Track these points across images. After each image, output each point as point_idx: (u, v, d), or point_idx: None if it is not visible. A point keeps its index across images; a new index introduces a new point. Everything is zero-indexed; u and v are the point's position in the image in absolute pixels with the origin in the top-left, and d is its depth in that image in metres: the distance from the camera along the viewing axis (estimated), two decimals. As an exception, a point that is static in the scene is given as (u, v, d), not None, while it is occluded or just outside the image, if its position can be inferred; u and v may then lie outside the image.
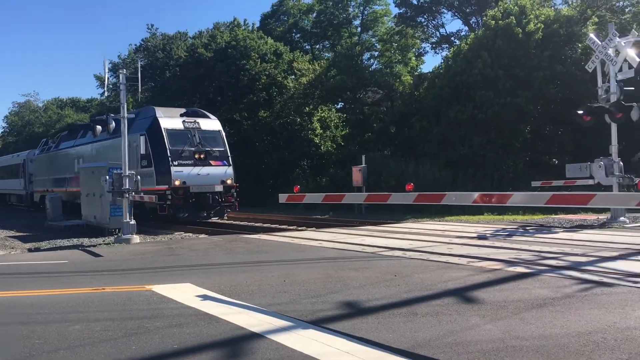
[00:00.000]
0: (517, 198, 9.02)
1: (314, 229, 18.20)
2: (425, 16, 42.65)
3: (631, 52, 15.06)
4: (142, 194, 16.43)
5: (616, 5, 34.02)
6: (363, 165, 26.92)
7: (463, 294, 6.86)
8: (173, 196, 20.60)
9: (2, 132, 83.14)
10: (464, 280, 7.63)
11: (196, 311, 6.36)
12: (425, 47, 45.47)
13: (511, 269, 8.42)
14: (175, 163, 20.99)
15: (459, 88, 29.08)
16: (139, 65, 20.60)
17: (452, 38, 43.43)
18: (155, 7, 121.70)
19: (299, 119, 38.58)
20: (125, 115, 16.24)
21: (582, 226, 14.91)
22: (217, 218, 22.48)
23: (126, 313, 6.40)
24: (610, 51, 15.33)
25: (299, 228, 19.29)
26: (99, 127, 17.04)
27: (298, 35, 51.63)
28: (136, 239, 15.51)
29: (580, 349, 4.64)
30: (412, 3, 41.37)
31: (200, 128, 22.40)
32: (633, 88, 15.49)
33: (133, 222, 15.74)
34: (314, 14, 49.71)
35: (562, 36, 29.01)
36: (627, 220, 15.17)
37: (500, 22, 29.20)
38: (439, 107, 29.93)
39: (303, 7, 50.99)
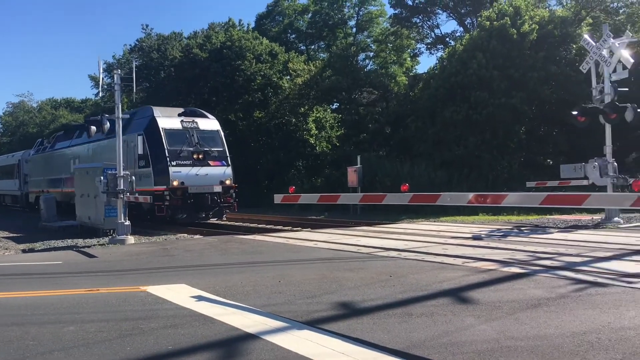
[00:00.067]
0: (511, 198, 9.06)
1: (309, 229, 18.20)
2: (420, 17, 42.73)
3: (625, 53, 15.11)
4: (136, 195, 16.38)
5: (610, 6, 34.18)
6: (358, 165, 26.92)
7: (458, 294, 6.87)
8: (171, 197, 20.46)
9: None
10: (459, 281, 7.64)
11: (191, 312, 6.35)
12: (420, 48, 45.65)
13: (506, 269, 8.44)
14: (174, 163, 20.84)
15: (454, 89, 29.14)
16: (134, 66, 20.61)
17: (447, 39, 43.57)
18: (150, 7, 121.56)
19: (294, 120, 38.59)
20: (120, 115, 16.19)
21: (576, 226, 14.95)
22: (215, 219, 22.32)
23: (121, 314, 6.38)
24: (605, 52, 15.38)
25: (294, 229, 19.28)
26: (93, 128, 16.98)
27: (293, 35, 51.63)
28: (131, 239, 15.46)
29: (574, 349, 4.65)
30: (407, 4, 41.46)
31: (198, 128, 22.24)
32: (627, 89, 15.55)
33: (127, 222, 15.70)
34: (309, 15, 49.71)
35: (556, 37, 29.11)
36: (622, 221, 15.22)
37: (495, 22, 29.27)
38: (434, 107, 29.99)
39: (298, 7, 50.99)
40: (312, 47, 51.63)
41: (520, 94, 27.48)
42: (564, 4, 36.58)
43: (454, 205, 16.89)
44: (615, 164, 15.15)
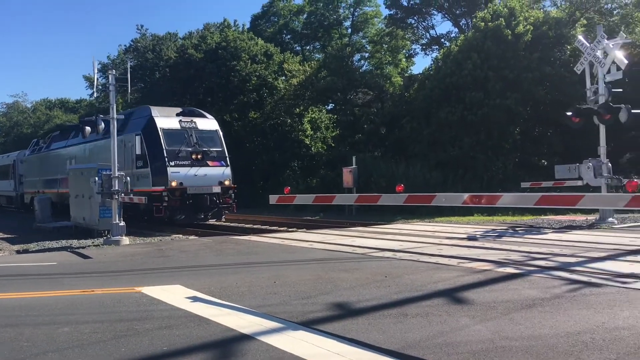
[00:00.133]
0: (506, 199, 9.06)
1: (304, 230, 18.20)
2: (415, 18, 42.81)
3: (619, 54, 15.17)
4: (131, 195, 16.32)
5: (604, 7, 34.34)
6: (353, 166, 26.94)
7: (453, 294, 6.89)
8: (170, 197, 20.25)
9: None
10: (454, 281, 7.65)
11: (186, 313, 6.34)
12: (415, 49, 45.71)
13: (501, 269, 8.46)
14: (172, 163, 20.62)
15: (449, 89, 29.20)
16: (129, 66, 20.52)
17: (442, 39, 43.68)
18: (145, 7, 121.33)
19: (289, 120, 38.57)
20: (115, 116, 16.15)
21: (571, 227, 14.99)
22: (214, 220, 22.14)
23: (115, 315, 6.36)
24: (599, 53, 15.43)
25: (290, 229, 19.28)
26: (88, 128, 16.90)
27: (288, 36, 51.63)
28: (126, 240, 15.42)
29: (569, 349, 4.67)
30: (403, 4, 41.53)
31: (197, 128, 22.03)
32: (621, 90, 15.61)
33: (122, 223, 15.65)
34: (305, 15, 49.72)
35: (551, 38, 29.21)
36: (616, 221, 15.27)
37: (489, 23, 29.36)
38: (429, 108, 30.04)
39: (293, 8, 50.99)
40: (308, 47, 51.65)
41: (515, 95, 27.56)
42: (559, 5, 36.76)
43: (448, 205, 16.89)
44: (610, 164, 15.20)
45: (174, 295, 7.33)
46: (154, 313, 6.37)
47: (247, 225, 22.37)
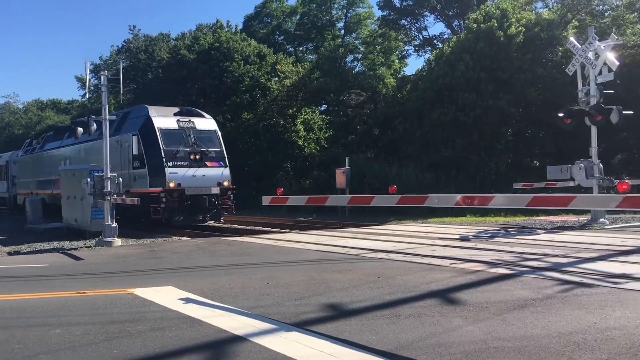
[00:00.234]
0: (499, 200, 9.09)
1: (297, 231, 18.19)
2: (408, 19, 42.90)
3: (611, 56, 15.25)
4: (123, 197, 16.25)
5: (596, 9, 34.53)
6: (346, 167, 26.96)
7: (446, 295, 6.90)
8: (167, 199, 19.97)
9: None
10: (447, 282, 7.67)
11: (178, 314, 6.32)
12: (408, 50, 45.82)
13: (493, 270, 8.48)
14: (170, 164, 20.32)
15: (441, 90, 29.29)
16: (121, 67, 20.41)
17: (435, 41, 43.80)
18: (137, 8, 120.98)
19: (282, 121, 38.55)
20: (107, 117, 16.08)
21: (562, 227, 15.06)
22: (213, 221, 21.88)
23: (107, 317, 6.33)
24: (590, 54, 15.50)
25: (283, 230, 19.26)
26: (80, 129, 16.80)
27: (281, 37, 51.63)
28: (118, 241, 15.35)
29: (561, 350, 4.69)
30: (395, 6, 41.61)
31: (195, 128, 21.72)
32: (612, 91, 15.70)
33: (115, 224, 15.57)
34: (297, 16, 49.75)
35: (543, 39, 29.36)
36: (607, 222, 15.35)
37: (482, 25, 29.47)
38: (422, 109, 30.12)
39: (286, 9, 51.01)
40: (301, 48, 51.67)
41: (507, 96, 27.68)
42: (550, 6, 36.93)
43: (441, 206, 16.95)
44: (601, 165, 15.27)
45: (166, 296, 7.30)
46: (146, 315, 6.35)
47: (239, 226, 22.30)
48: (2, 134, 71.45)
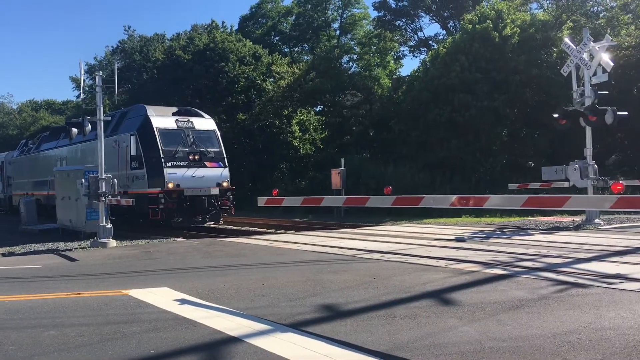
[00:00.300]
0: (494, 201, 9.10)
1: (293, 232, 18.19)
2: (403, 20, 42.99)
3: (605, 57, 15.31)
4: (118, 197, 16.19)
5: (590, 10, 34.67)
6: (342, 168, 26.96)
7: (441, 296, 6.91)
8: (166, 199, 19.73)
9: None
10: (442, 283, 7.68)
11: (174, 315, 6.30)
12: (403, 51, 45.89)
13: (488, 270, 8.50)
14: (169, 164, 20.07)
15: (437, 91, 29.31)
16: (116, 67, 20.31)
17: (430, 42, 43.88)
18: (132, 8, 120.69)
19: (277, 122, 38.53)
20: (102, 117, 16.03)
21: (557, 228, 15.10)
22: (212, 222, 21.61)
23: (102, 318, 6.31)
24: (585, 55, 15.56)
25: (278, 231, 19.25)
26: (74, 130, 16.70)
27: (277, 38, 51.62)
28: (113, 242, 15.31)
29: (555, 350, 4.70)
30: (391, 7, 41.69)
31: (194, 128, 21.50)
32: (607, 92, 15.75)
33: (110, 225, 15.53)
34: (293, 17, 49.76)
35: (538, 40, 29.43)
36: (602, 222, 15.41)
37: (477, 26, 29.53)
38: (418, 110, 30.14)
39: (282, 9, 51.01)
40: (296, 49, 51.67)
41: (502, 97, 27.73)
42: (545, 7, 37.03)
43: (437, 207, 16.97)
44: (596, 166, 15.33)
45: (161, 297, 7.29)
46: (141, 316, 6.33)
47: (235, 227, 22.27)
48: (-4, 135, 71.18)
